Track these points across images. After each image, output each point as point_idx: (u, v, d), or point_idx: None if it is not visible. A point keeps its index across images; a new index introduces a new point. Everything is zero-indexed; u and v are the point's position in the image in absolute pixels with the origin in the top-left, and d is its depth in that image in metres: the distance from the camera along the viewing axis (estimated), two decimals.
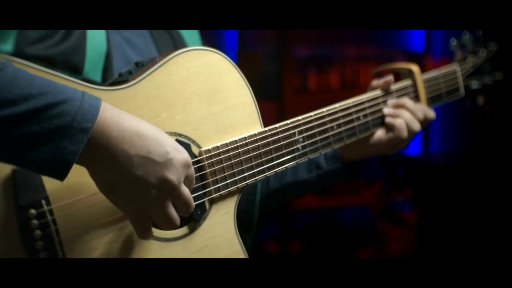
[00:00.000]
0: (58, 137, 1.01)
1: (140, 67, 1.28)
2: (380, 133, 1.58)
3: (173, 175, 1.10)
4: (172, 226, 1.15)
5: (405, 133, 1.57)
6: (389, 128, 1.58)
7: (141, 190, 1.09)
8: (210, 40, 1.62)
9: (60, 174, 1.04)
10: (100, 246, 1.16)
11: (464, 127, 3.78)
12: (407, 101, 1.61)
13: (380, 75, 1.68)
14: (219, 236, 1.31)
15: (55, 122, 1.01)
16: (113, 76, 1.32)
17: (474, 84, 1.84)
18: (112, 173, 1.07)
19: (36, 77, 1.04)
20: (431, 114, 1.64)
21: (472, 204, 3.11)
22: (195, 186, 1.25)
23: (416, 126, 1.59)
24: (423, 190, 3.44)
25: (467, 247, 3.10)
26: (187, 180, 1.16)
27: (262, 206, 1.54)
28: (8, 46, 1.18)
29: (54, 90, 1.03)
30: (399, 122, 1.57)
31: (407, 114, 1.58)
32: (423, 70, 1.77)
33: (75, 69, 1.25)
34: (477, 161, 3.40)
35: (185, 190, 1.14)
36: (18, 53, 1.17)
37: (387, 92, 1.62)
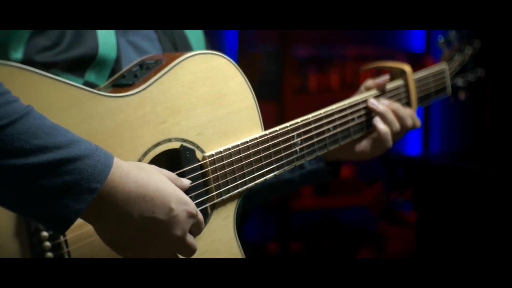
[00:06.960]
0: (64, 194, 0.98)
1: (145, 69, 1.27)
2: (365, 144, 1.59)
3: (178, 231, 1.11)
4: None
5: (390, 144, 1.58)
6: (375, 137, 1.59)
7: (146, 247, 1.10)
8: (210, 40, 1.62)
9: (59, 230, 1.03)
10: (103, 246, 1.16)
11: (464, 127, 3.78)
12: (399, 107, 1.60)
13: (376, 73, 1.68)
14: (218, 240, 1.31)
15: (64, 179, 0.98)
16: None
17: (459, 82, 1.85)
18: (117, 232, 1.07)
19: (56, 128, 1.01)
20: (418, 122, 1.64)
21: (472, 204, 3.11)
22: (197, 192, 1.26)
23: (401, 134, 1.61)
24: (423, 190, 3.44)
25: (467, 247, 3.10)
26: (194, 227, 1.16)
27: (244, 204, 1.54)
28: (18, 54, 1.19)
29: (70, 145, 1.00)
30: (385, 132, 1.57)
31: (396, 125, 1.58)
32: None
33: (77, 73, 1.25)
34: (477, 161, 3.39)
35: (189, 239, 1.14)
36: (27, 60, 1.18)
37: (382, 92, 1.62)
